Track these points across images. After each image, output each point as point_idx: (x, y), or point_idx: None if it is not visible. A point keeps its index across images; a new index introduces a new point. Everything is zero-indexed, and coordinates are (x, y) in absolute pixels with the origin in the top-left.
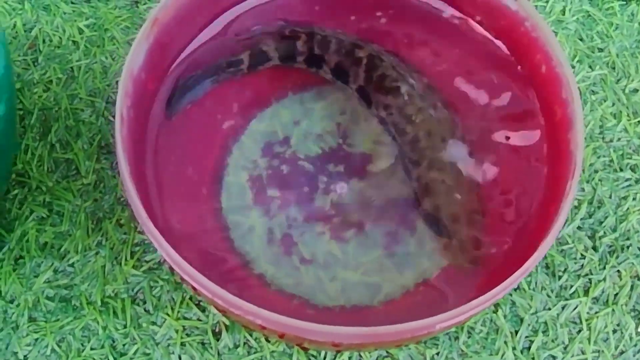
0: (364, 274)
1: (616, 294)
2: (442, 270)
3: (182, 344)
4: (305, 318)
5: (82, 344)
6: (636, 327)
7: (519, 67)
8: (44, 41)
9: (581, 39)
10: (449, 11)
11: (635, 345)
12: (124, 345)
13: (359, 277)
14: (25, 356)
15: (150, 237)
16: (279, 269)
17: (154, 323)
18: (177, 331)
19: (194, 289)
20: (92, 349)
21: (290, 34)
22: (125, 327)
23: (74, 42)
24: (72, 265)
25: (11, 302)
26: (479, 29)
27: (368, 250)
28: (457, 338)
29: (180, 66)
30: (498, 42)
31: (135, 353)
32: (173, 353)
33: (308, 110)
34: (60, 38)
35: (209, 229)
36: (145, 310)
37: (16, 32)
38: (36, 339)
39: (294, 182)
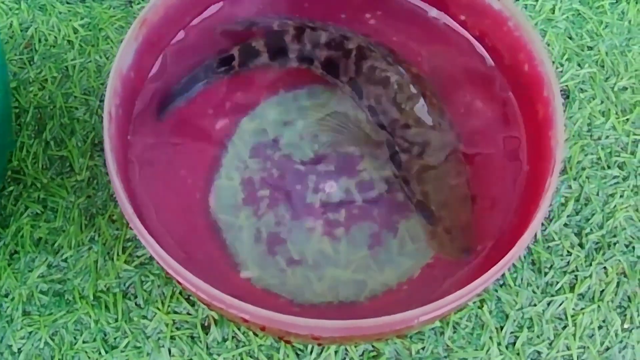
0: (354, 272)
1: (602, 291)
2: (425, 268)
3: (172, 338)
4: (290, 314)
5: (74, 337)
6: (622, 324)
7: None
8: (39, 40)
9: (571, 38)
10: (434, 12)
11: (621, 342)
12: (115, 338)
13: (348, 275)
14: (19, 349)
15: (135, 232)
16: (266, 268)
17: (144, 317)
18: (167, 325)
19: (180, 283)
20: (84, 342)
21: (279, 27)
22: (116, 320)
23: (69, 41)
24: (65, 260)
25: (6, 296)
26: (462, 29)
27: (354, 249)
28: (442, 333)
29: (165, 60)
30: (479, 44)
31: (126, 346)
32: (163, 346)
33: (299, 110)
34: (55, 37)
35: (199, 228)
36: (136, 304)
37: (12, 31)
38: (30, 332)
39: (285, 182)
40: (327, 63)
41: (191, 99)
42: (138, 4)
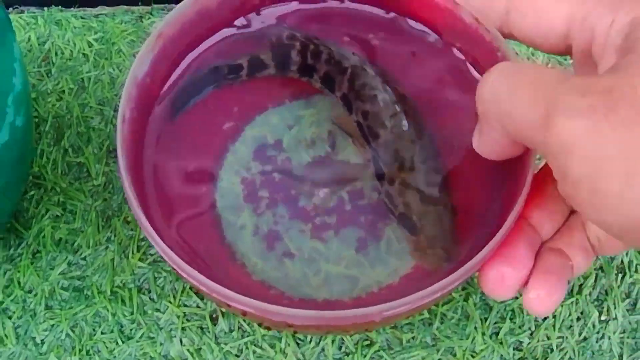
0: (345, 267)
1: (581, 285)
2: (413, 269)
3: (183, 329)
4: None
5: (93, 329)
6: (599, 316)
7: None
8: (56, 54)
9: None
10: (432, 36)
11: (598, 332)
12: (131, 329)
13: (340, 270)
14: (42, 340)
15: (147, 236)
16: (265, 262)
17: (158, 310)
18: (178, 317)
19: (182, 276)
20: (102, 333)
21: (287, 38)
22: (132, 313)
23: (84, 54)
24: (84, 258)
25: (29, 292)
26: (459, 53)
27: (345, 249)
28: (430, 324)
29: (188, 65)
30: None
31: (141, 337)
32: (175, 336)
33: (299, 117)
34: (71, 51)
35: (204, 224)
36: (150, 298)
37: (30, 45)
38: (52, 325)
39: (283, 185)
40: (325, 77)
41: (199, 102)
42: (148, 19)
